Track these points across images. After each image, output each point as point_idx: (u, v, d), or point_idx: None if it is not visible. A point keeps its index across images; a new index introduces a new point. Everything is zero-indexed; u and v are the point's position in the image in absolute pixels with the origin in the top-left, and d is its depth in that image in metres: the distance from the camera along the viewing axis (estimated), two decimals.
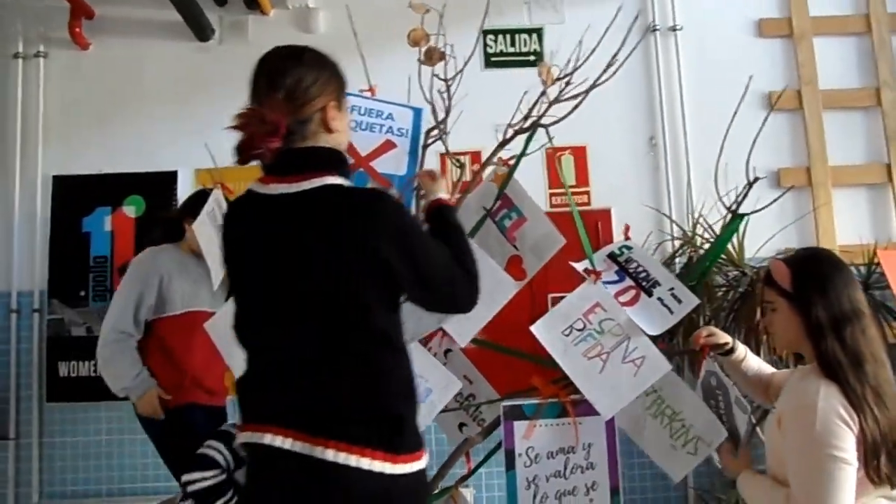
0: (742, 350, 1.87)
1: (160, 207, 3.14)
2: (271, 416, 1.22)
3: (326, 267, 1.22)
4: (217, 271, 2.39)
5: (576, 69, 1.79)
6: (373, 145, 1.98)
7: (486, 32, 3.25)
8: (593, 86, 1.74)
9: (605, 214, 3.16)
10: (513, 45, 3.27)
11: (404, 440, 1.22)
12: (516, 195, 2.00)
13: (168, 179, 3.17)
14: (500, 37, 3.25)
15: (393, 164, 1.97)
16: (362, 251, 1.22)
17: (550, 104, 1.79)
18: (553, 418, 1.87)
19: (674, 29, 3.30)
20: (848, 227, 3.15)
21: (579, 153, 3.22)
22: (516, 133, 1.88)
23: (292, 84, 1.28)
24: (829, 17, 3.31)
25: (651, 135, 3.27)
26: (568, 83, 1.76)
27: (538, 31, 3.27)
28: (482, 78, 3.12)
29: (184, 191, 3.17)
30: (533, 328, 1.84)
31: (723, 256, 2.58)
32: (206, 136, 3.18)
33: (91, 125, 3.24)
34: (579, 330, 1.85)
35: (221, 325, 2.31)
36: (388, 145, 1.98)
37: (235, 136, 1.23)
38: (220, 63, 3.26)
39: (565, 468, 1.86)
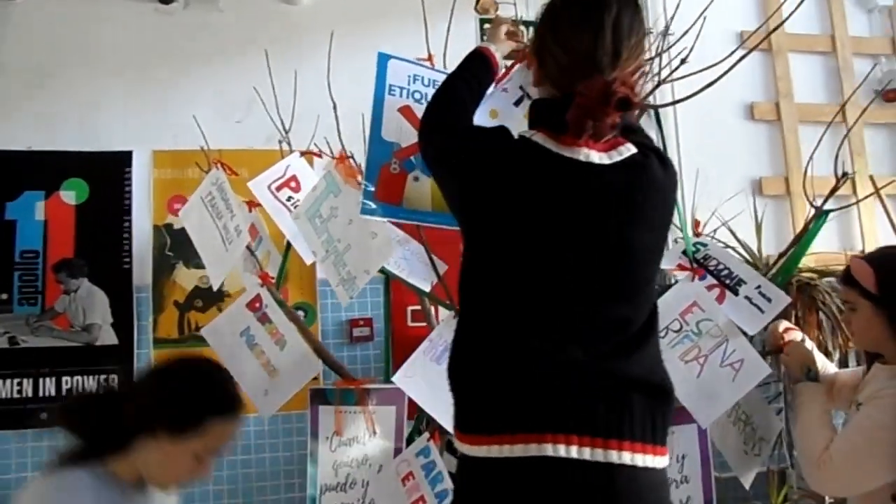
0: (809, 345, 1.83)
1: (109, 193, 2.65)
2: (546, 420, 1.03)
3: (653, 242, 1.13)
4: (218, 270, 2.01)
5: (689, 51, 1.65)
6: None
7: (483, 21, 3.08)
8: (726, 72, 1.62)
9: None
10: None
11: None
12: None
13: (120, 161, 2.68)
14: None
15: None
16: (669, 222, 1.16)
17: (659, 83, 1.63)
18: None
19: (665, 34, 3.28)
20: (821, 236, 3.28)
21: None
22: None
23: (632, 46, 1.12)
24: (802, 35, 3.46)
25: None
26: (683, 61, 1.62)
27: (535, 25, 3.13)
28: None
29: (139, 175, 2.70)
30: None
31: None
32: (165, 113, 2.76)
33: (20, 92, 2.68)
34: (675, 331, 1.70)
35: (226, 331, 1.95)
36: None
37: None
38: (185, 30, 2.83)
39: None
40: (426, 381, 1.65)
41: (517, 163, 1.12)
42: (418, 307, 2.80)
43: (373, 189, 1.61)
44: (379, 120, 1.66)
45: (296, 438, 2.63)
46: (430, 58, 1.86)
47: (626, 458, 1.02)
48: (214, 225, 2.03)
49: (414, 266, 2.12)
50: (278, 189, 2.14)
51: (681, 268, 1.73)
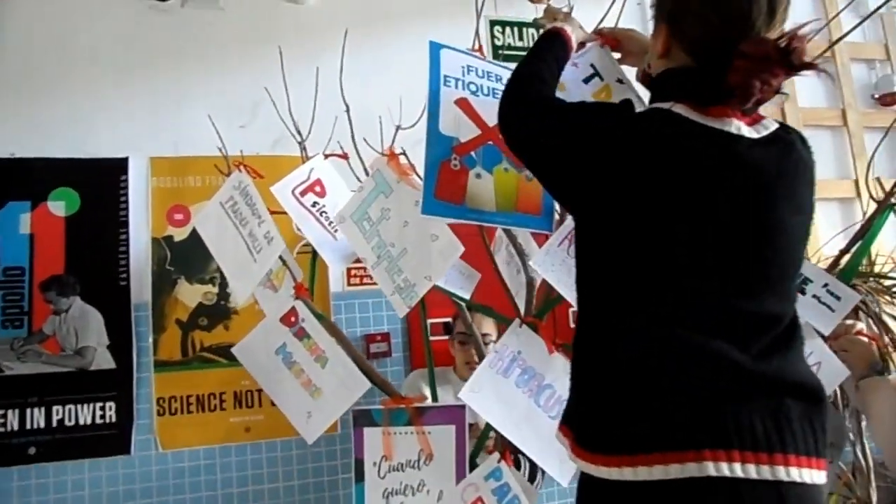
0: None
1: (102, 204, 2.43)
2: (703, 434, 0.89)
3: (803, 227, 1.03)
4: (244, 282, 1.83)
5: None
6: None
7: (493, 23, 2.99)
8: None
9: None
10: (520, 38, 3.02)
11: None
12: None
13: (114, 168, 2.46)
14: (508, 29, 2.99)
15: None
16: (814, 205, 1.06)
17: None
18: None
19: None
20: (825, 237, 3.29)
21: None
22: None
23: (784, 7, 1.02)
24: None
25: None
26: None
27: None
28: None
29: (136, 183, 2.49)
30: None
31: None
32: (163, 117, 2.57)
33: (1, 95, 2.43)
34: None
35: (259, 349, 1.78)
36: None
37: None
38: (183, 30, 2.64)
39: None
40: (495, 395, 1.52)
41: (661, 137, 1.00)
42: (438, 320, 2.66)
43: (432, 187, 1.48)
44: (436, 113, 1.53)
45: (317, 463, 2.45)
46: (479, 49, 1.75)
47: (794, 474, 0.91)
48: (238, 233, 1.85)
49: (449, 274, 1.98)
50: (302, 194, 1.98)
51: None
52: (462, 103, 1.56)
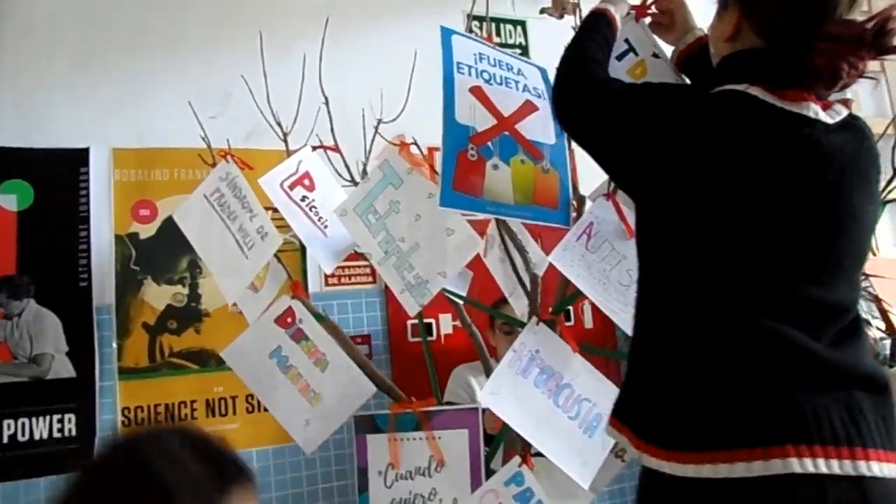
0: None
1: (60, 198, 2.23)
2: (785, 428, 0.86)
3: (872, 215, 1.01)
4: (235, 280, 1.70)
5: None
6: (512, 104, 1.54)
7: (472, 18, 2.93)
8: None
9: None
10: (498, 34, 2.98)
11: None
12: None
13: (73, 160, 2.25)
14: (486, 24, 2.93)
15: (540, 130, 1.55)
16: (880, 195, 1.06)
17: None
18: None
19: None
20: None
21: None
22: None
23: None
24: None
25: None
26: None
27: (522, 24, 3.03)
28: None
29: (98, 176, 2.29)
30: None
31: None
32: (127, 105, 2.39)
33: None
34: None
35: (252, 353, 1.65)
36: (530, 107, 1.56)
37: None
38: (152, 11, 2.45)
39: None
40: (514, 397, 1.45)
41: (705, 130, 0.97)
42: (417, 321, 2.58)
43: (450, 178, 1.41)
44: (451, 101, 1.45)
45: (296, 473, 2.32)
46: (489, 37, 1.68)
47: (875, 468, 0.88)
48: (226, 227, 1.72)
49: None
50: (291, 187, 1.87)
51: None
52: (476, 91, 1.49)
